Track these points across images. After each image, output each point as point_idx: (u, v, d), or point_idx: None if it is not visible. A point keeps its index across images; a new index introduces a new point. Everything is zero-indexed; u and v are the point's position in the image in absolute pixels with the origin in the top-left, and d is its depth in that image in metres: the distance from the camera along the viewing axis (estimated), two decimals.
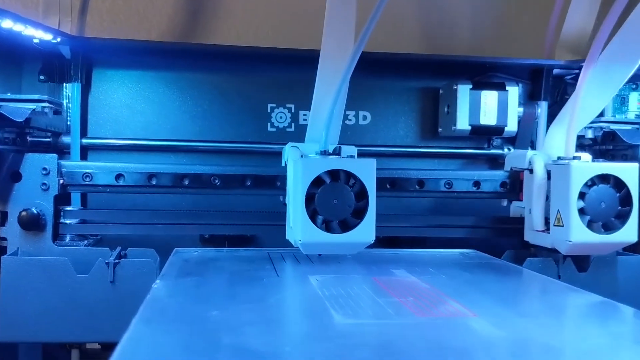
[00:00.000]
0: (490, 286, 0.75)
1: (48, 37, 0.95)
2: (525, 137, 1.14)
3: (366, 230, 0.82)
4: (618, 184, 0.85)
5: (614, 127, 1.00)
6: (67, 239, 0.90)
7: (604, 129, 1.00)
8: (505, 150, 1.16)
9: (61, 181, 0.88)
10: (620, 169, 0.85)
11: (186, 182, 0.91)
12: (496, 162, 1.17)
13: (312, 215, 0.82)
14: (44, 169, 0.86)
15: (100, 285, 0.82)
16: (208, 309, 0.59)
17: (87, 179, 0.89)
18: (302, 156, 0.86)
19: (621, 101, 1.06)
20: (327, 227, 0.82)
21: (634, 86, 1.05)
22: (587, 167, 0.85)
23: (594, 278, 0.91)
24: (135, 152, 1.12)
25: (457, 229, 0.99)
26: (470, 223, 1.00)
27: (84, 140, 1.09)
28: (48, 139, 1.06)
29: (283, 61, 1.14)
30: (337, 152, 0.86)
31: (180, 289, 0.68)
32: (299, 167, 0.82)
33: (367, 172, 0.82)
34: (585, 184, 0.85)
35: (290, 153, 0.88)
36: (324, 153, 0.85)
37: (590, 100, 0.90)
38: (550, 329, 0.59)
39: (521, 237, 0.97)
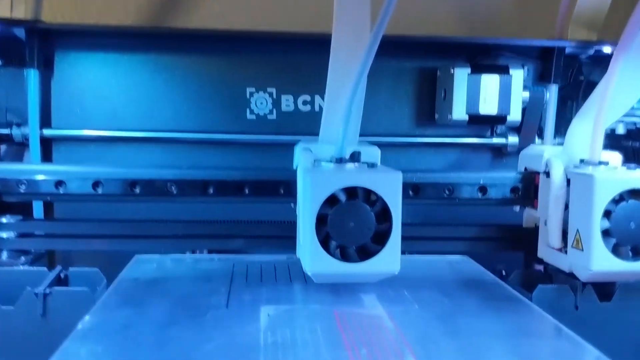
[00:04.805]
0: (467, 327, 0.63)
1: None
2: (532, 125, 1.00)
3: (389, 258, 0.68)
4: None
5: None
6: (4, 255, 0.79)
7: (637, 125, 0.83)
8: (510, 139, 1.05)
9: None
10: None
11: (137, 190, 0.78)
12: (500, 152, 1.07)
13: (325, 240, 0.68)
14: None
15: (29, 319, 0.70)
16: None
17: (23, 187, 0.77)
18: (314, 161, 0.72)
19: None
20: (342, 254, 0.68)
21: None
22: (614, 180, 0.69)
23: (619, 309, 0.75)
24: (103, 143, 1.03)
25: (456, 242, 0.84)
26: (473, 234, 0.85)
27: (46, 132, 1.00)
28: (6, 131, 0.99)
29: (263, 42, 1.00)
30: (355, 157, 0.71)
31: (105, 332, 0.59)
32: (308, 182, 0.67)
33: (391, 188, 0.68)
34: (612, 200, 0.69)
35: (301, 157, 0.74)
36: (340, 161, 0.71)
37: (621, 92, 0.74)
38: None
39: (535, 250, 0.83)
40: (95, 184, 0.78)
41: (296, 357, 0.54)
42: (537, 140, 1.05)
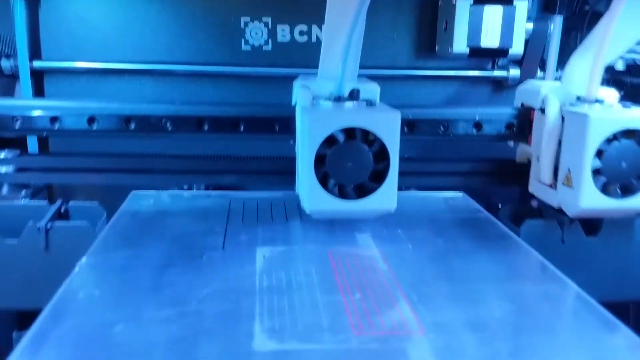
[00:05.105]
0: (457, 269, 0.64)
1: None
2: (534, 58, 0.98)
3: (386, 196, 0.70)
4: None
5: None
6: (5, 189, 0.80)
7: (637, 61, 0.82)
8: (511, 72, 1.03)
9: None
10: None
11: (132, 126, 0.78)
12: (500, 85, 1.06)
13: (323, 178, 0.69)
14: None
15: (32, 253, 0.72)
16: (115, 322, 0.51)
17: (17, 123, 0.77)
18: (312, 99, 0.72)
19: None
20: (340, 191, 0.70)
21: None
22: (608, 120, 0.69)
23: (605, 243, 0.78)
24: (95, 75, 1.01)
25: (448, 177, 0.85)
26: (466, 169, 0.86)
27: (36, 64, 0.98)
28: None
29: None
30: (354, 95, 0.72)
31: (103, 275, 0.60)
32: (307, 123, 0.67)
33: (389, 128, 0.68)
34: (605, 140, 0.69)
35: (299, 95, 0.74)
36: (339, 99, 0.71)
37: (625, 28, 0.72)
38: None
39: (526, 185, 0.84)
40: (91, 120, 0.77)
41: (291, 302, 0.55)
42: (539, 72, 1.04)
